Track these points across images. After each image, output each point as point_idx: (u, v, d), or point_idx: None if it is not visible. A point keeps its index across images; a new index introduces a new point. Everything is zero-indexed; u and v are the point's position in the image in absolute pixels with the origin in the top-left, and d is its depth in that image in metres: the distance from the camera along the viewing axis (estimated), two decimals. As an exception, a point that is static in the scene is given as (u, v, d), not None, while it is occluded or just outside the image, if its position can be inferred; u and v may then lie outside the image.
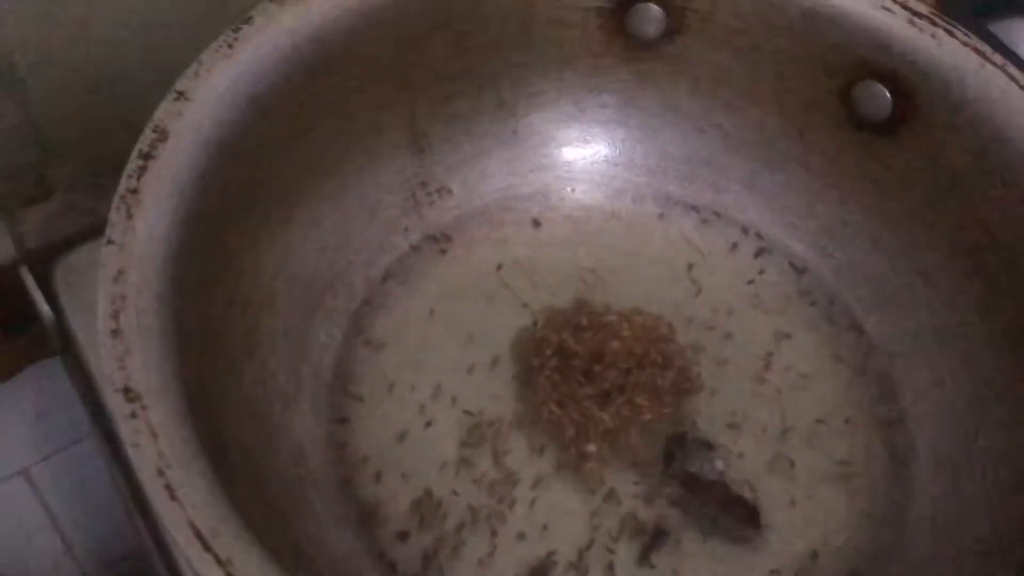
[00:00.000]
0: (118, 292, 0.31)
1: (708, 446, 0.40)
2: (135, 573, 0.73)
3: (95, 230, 0.49)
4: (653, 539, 0.38)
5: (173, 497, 0.28)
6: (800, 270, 0.45)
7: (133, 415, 0.29)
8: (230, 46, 0.37)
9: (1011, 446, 0.38)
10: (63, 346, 0.48)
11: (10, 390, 0.58)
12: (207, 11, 0.45)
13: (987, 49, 0.40)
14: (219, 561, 0.27)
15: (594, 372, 0.40)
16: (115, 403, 0.29)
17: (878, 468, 0.41)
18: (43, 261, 0.49)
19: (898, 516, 0.40)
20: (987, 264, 0.40)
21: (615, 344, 0.40)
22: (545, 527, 0.38)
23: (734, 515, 0.39)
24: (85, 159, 0.49)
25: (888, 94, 0.42)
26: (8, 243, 0.50)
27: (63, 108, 0.46)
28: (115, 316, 0.31)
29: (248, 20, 0.38)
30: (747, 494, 0.39)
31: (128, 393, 0.30)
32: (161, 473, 0.28)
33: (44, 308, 0.46)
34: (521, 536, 0.38)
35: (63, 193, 0.49)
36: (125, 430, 0.29)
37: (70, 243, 0.49)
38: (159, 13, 0.46)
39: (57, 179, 0.49)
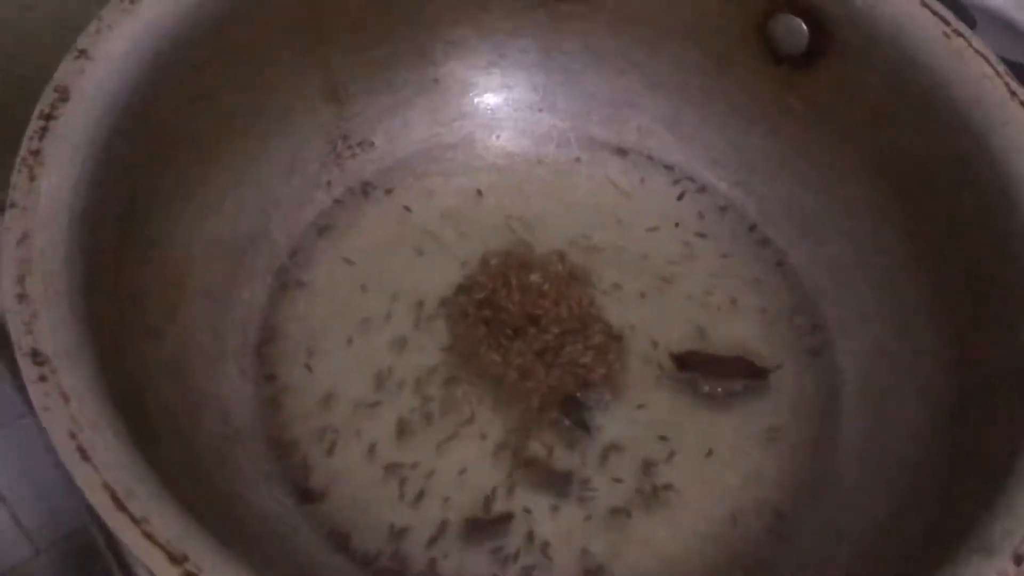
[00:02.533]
0: (23, 256, 0.31)
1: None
2: (86, 547, 0.73)
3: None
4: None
5: (85, 458, 0.27)
6: (724, 207, 0.45)
7: (42, 378, 0.29)
8: (132, 1, 0.36)
9: (936, 373, 0.38)
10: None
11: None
12: None
13: (897, -24, 0.40)
14: (134, 520, 0.27)
15: (527, 332, 0.40)
16: (24, 367, 0.29)
17: (806, 402, 0.41)
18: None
19: (826, 447, 0.40)
20: (906, 190, 0.41)
21: (546, 304, 0.40)
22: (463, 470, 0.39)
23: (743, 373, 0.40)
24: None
25: (804, 26, 0.42)
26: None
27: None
28: (20, 280, 0.30)
29: (148, -27, 0.37)
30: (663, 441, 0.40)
31: (36, 356, 0.29)
32: (73, 436, 0.28)
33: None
34: (460, 475, 0.38)
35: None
36: (34, 393, 0.28)
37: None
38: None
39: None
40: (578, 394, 0.39)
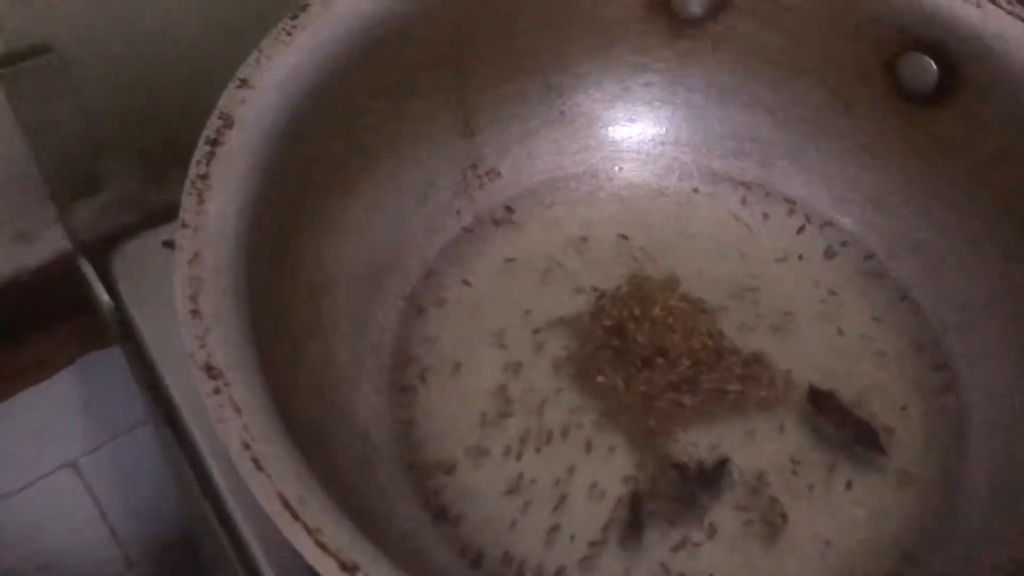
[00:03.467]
0: (194, 274, 0.32)
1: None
2: (180, 561, 0.74)
3: (147, 220, 0.51)
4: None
5: (260, 468, 0.29)
6: (848, 242, 0.46)
7: (217, 391, 0.30)
8: (288, 34, 0.38)
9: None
10: (123, 335, 0.49)
11: (58, 382, 0.59)
12: (249, 6, 0.46)
13: (1033, 17, 0.40)
14: (308, 530, 0.28)
15: (656, 364, 0.41)
16: (199, 380, 0.30)
17: (932, 438, 0.41)
18: (99, 252, 0.50)
19: (954, 486, 0.40)
20: (1035, 231, 0.41)
21: (675, 339, 0.41)
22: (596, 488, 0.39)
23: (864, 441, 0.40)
24: (134, 152, 0.50)
25: (934, 65, 0.42)
26: (63, 235, 0.51)
27: (112, 102, 0.47)
28: (193, 297, 0.32)
29: (304, 8, 0.39)
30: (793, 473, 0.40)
31: (211, 370, 0.30)
32: (247, 446, 0.29)
33: (104, 297, 0.47)
34: (592, 490, 0.39)
35: (115, 185, 0.50)
36: (210, 406, 0.30)
37: (124, 233, 0.50)
38: (206, 6, 0.46)
39: (108, 171, 0.50)
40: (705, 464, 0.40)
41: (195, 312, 0.31)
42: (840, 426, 0.40)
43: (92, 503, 0.69)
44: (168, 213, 0.49)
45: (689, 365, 0.41)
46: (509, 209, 0.46)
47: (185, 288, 0.32)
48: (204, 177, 0.34)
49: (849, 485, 0.40)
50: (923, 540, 0.39)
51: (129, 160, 0.50)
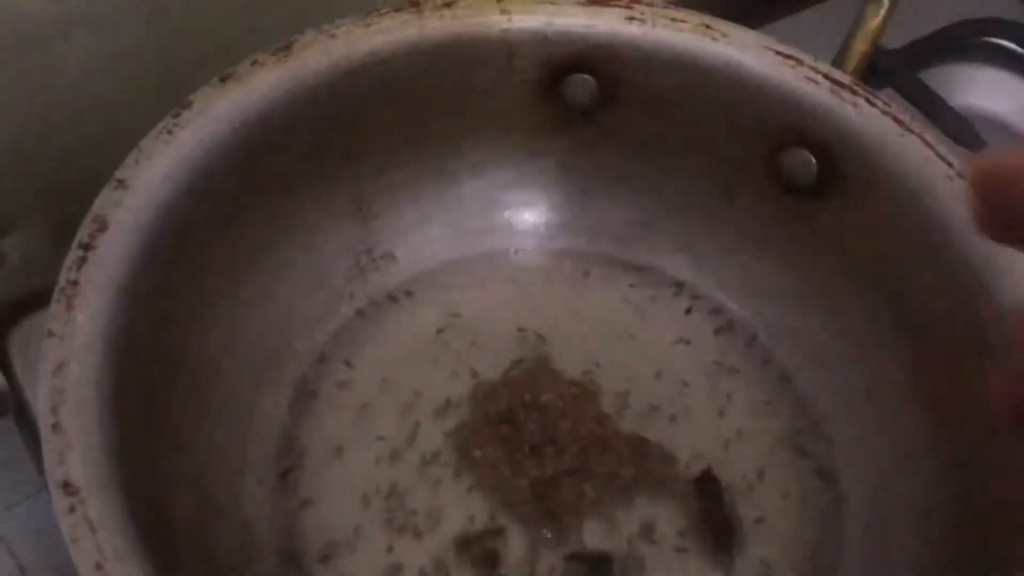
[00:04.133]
0: (58, 385, 0.32)
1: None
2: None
3: (46, 295, 0.50)
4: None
5: (110, 592, 0.29)
6: (734, 329, 0.47)
7: (72, 509, 0.30)
8: (170, 132, 0.38)
9: (937, 506, 0.39)
10: (17, 411, 0.48)
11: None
12: (154, 91, 0.46)
13: (906, 117, 0.42)
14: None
15: (545, 453, 0.41)
16: (55, 497, 0.30)
17: (806, 527, 0.42)
18: (-3, 327, 0.49)
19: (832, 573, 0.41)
20: (913, 326, 0.42)
21: (565, 425, 0.41)
22: None
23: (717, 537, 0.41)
24: (37, 228, 0.49)
25: (813, 160, 0.43)
26: (-38, 309, 0.50)
27: (14, 179, 0.47)
28: (55, 410, 0.32)
29: (187, 105, 0.39)
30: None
31: (68, 487, 0.30)
32: (99, 567, 0.29)
33: (-1, 378, 0.47)
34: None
35: (13, 260, 0.50)
36: (64, 524, 0.30)
37: (23, 309, 0.50)
38: (109, 93, 0.47)
39: (9, 248, 0.49)
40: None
41: (55, 426, 0.32)
42: (706, 515, 0.41)
43: (12, 561, 0.69)
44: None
45: (577, 452, 0.42)
46: (403, 293, 0.47)
47: (47, 400, 0.32)
48: (74, 283, 0.34)
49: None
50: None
51: (30, 235, 0.50)
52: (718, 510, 0.41)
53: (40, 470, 0.48)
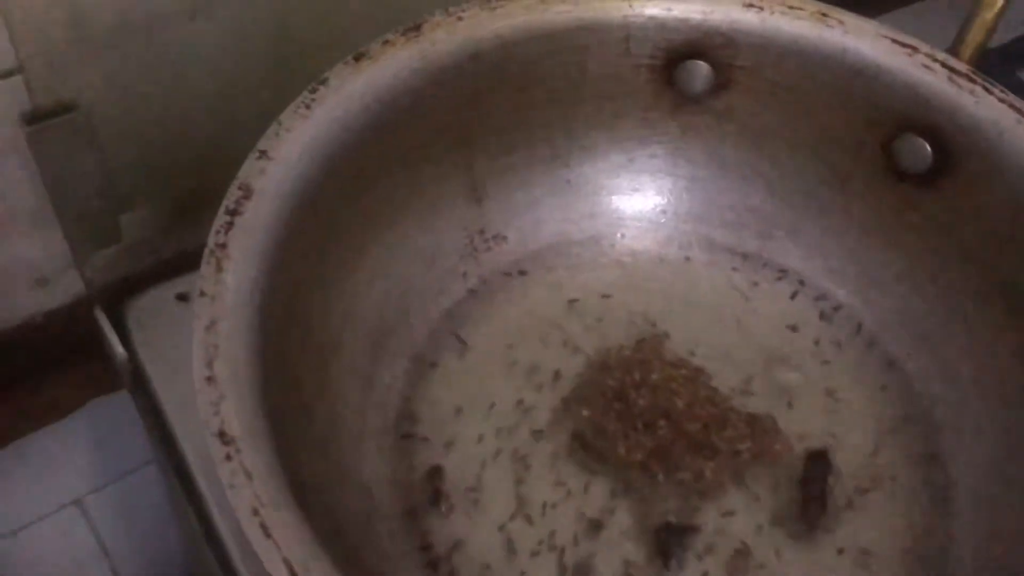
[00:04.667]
0: (211, 341, 0.33)
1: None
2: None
3: (162, 271, 0.52)
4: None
5: (268, 535, 0.30)
6: (842, 315, 0.47)
7: (228, 457, 0.31)
8: (307, 107, 0.39)
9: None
10: (134, 383, 0.50)
11: (69, 423, 0.60)
12: (272, 72, 0.47)
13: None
14: (311, 596, 0.29)
15: (657, 426, 0.42)
16: (212, 446, 0.31)
17: (919, 508, 0.42)
18: (113, 299, 0.51)
19: (940, 556, 0.41)
20: (1021, 312, 0.42)
21: (679, 403, 0.42)
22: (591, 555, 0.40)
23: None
24: (153, 205, 0.51)
25: (928, 147, 0.43)
26: (80, 284, 0.52)
27: (135, 158, 0.49)
28: (209, 364, 0.33)
29: (324, 81, 0.40)
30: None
31: (223, 436, 0.32)
32: (256, 512, 0.30)
33: (118, 349, 0.49)
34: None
35: (132, 235, 0.52)
36: (222, 472, 0.31)
37: (139, 283, 0.51)
38: (229, 73, 0.48)
39: (127, 223, 0.51)
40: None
41: (210, 379, 0.33)
42: (806, 488, 0.41)
43: (95, 541, 0.70)
44: (182, 264, 0.51)
45: (700, 428, 0.42)
46: (514, 273, 0.48)
47: (202, 355, 0.33)
48: (223, 246, 0.36)
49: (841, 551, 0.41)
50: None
51: (147, 213, 0.51)
52: (819, 487, 0.41)
53: (151, 436, 0.50)
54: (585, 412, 0.43)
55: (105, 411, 0.61)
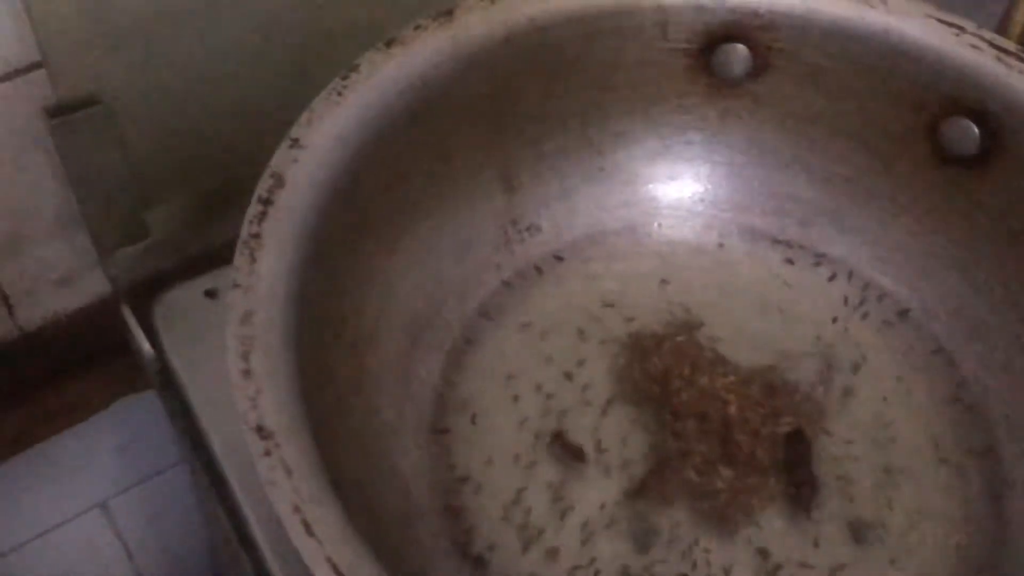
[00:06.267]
0: (247, 333, 0.32)
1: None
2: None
3: (188, 266, 0.51)
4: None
5: (310, 533, 0.29)
6: (888, 303, 0.46)
7: (267, 453, 0.30)
8: (339, 94, 0.38)
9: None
10: (162, 383, 0.49)
11: (94, 423, 0.60)
12: (298, 62, 0.46)
13: (1076, 84, 0.41)
14: (358, 595, 0.28)
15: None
16: (250, 441, 0.30)
17: (973, 500, 0.41)
18: (140, 297, 0.50)
19: (994, 550, 0.40)
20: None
21: (731, 410, 0.41)
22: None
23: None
24: (179, 201, 0.50)
25: (976, 129, 0.42)
26: (104, 283, 0.51)
27: (159, 153, 0.48)
28: (245, 357, 0.32)
29: (355, 68, 0.39)
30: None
31: (261, 431, 0.31)
32: (297, 509, 0.29)
33: (145, 346, 0.48)
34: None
35: (157, 231, 0.51)
36: (261, 467, 0.30)
37: (165, 278, 0.51)
38: (255, 64, 0.47)
39: (153, 219, 0.50)
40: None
41: (246, 372, 0.32)
42: (791, 471, 0.40)
43: (120, 544, 0.70)
44: (210, 260, 0.50)
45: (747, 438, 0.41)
46: (548, 264, 0.46)
47: (237, 347, 0.32)
48: (256, 236, 0.35)
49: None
50: None
51: (173, 208, 0.51)
52: (806, 470, 0.40)
53: (181, 437, 0.49)
54: (624, 406, 0.42)
55: (130, 413, 0.60)
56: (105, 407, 0.59)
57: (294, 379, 0.33)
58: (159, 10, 0.44)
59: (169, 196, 0.50)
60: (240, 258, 0.34)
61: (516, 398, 0.43)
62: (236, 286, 0.34)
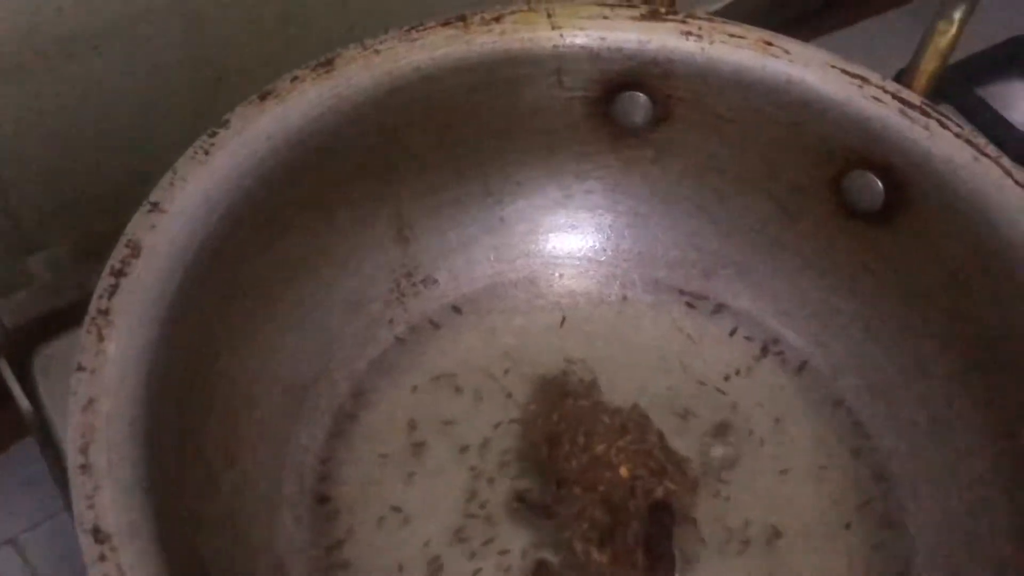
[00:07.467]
0: (88, 423, 0.30)
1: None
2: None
3: (71, 313, 0.49)
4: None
5: (143, 650, 0.27)
6: (792, 358, 0.44)
7: (102, 557, 0.28)
8: (206, 152, 0.36)
9: (1013, 552, 0.37)
10: (40, 433, 0.47)
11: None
12: (192, 114, 0.44)
13: (981, 142, 0.39)
14: None
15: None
16: (84, 544, 0.28)
17: (875, 565, 0.40)
18: (22, 349, 0.48)
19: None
20: (983, 358, 0.39)
21: (609, 475, 0.39)
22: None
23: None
24: (64, 249, 0.48)
25: (880, 184, 0.41)
26: (-12, 326, 0.49)
27: (42, 202, 0.46)
28: (84, 450, 0.30)
29: (225, 123, 0.37)
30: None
31: (97, 534, 0.29)
32: (131, 622, 0.27)
33: (24, 402, 0.46)
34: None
35: (42, 279, 0.49)
36: (93, 573, 0.28)
37: (47, 330, 0.48)
38: (142, 104, 0.45)
39: (37, 265, 0.48)
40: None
41: (84, 467, 0.30)
42: (649, 542, 0.38)
43: (32, 580, 0.67)
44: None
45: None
46: (443, 319, 0.45)
47: (76, 439, 0.30)
48: (105, 312, 0.33)
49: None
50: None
51: (56, 254, 0.48)
52: (667, 544, 0.38)
53: (63, 492, 0.47)
54: (516, 472, 0.41)
55: (35, 449, 0.58)
56: (15, 442, 0.58)
57: (140, 469, 0.31)
58: (38, 51, 0.41)
59: (54, 240, 0.48)
60: (87, 337, 0.32)
61: (406, 465, 0.41)
62: (80, 369, 0.31)
